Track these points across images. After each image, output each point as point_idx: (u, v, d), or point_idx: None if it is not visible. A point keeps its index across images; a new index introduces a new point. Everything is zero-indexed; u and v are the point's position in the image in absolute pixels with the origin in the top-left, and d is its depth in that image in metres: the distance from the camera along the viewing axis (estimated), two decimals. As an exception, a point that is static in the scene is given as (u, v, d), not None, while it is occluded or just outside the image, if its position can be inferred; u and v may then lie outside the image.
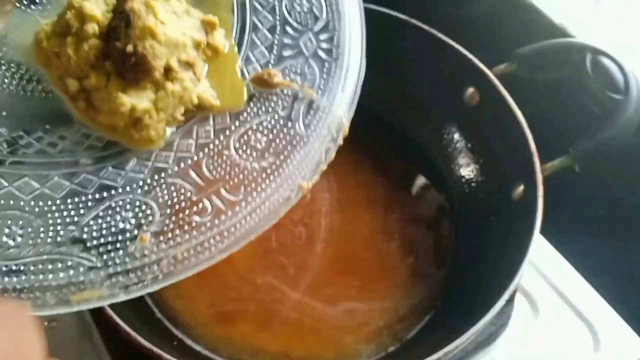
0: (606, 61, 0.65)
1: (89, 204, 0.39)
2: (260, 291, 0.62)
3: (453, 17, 0.82)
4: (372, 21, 0.71)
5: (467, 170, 0.72)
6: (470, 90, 0.70)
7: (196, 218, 0.40)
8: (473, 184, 0.71)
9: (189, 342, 0.59)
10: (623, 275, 0.73)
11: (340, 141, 0.44)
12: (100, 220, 0.38)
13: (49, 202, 0.38)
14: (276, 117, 0.43)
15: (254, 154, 0.42)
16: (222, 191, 0.41)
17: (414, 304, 0.63)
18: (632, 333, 0.66)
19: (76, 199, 0.39)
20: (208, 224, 0.39)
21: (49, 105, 0.42)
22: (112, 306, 0.50)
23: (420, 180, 0.73)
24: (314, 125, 0.44)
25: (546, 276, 0.70)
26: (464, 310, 0.57)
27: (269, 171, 0.41)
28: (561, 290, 0.69)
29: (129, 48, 0.40)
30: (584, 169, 0.63)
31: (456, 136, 0.73)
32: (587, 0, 0.87)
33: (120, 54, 0.41)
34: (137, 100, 0.40)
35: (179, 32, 0.43)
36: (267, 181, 0.41)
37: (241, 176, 0.41)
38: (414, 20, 0.70)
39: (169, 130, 0.42)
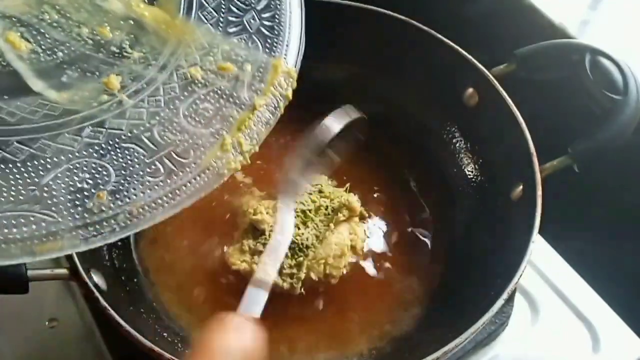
0: (605, 61, 0.65)
1: (48, 166, 0.42)
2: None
3: (453, 17, 0.83)
4: (372, 22, 0.72)
5: (466, 170, 0.72)
6: (470, 90, 0.70)
7: (149, 178, 0.43)
8: (472, 184, 0.71)
9: (188, 341, 0.59)
10: (622, 275, 0.73)
11: (284, 105, 0.48)
12: (59, 181, 0.42)
13: (10, 165, 0.41)
14: (222, 86, 0.47)
15: (202, 121, 0.46)
16: (173, 154, 0.44)
17: (414, 303, 0.63)
18: (631, 333, 0.66)
19: (35, 162, 0.42)
20: (161, 184, 0.43)
21: (8, 78, 0.45)
22: (113, 306, 0.50)
23: (419, 180, 0.73)
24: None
25: (545, 276, 0.70)
26: (464, 309, 0.57)
27: (217, 136, 0.45)
28: (560, 290, 0.69)
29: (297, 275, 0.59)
30: (583, 169, 0.63)
31: (455, 136, 0.73)
32: (586, 1, 0.87)
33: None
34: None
35: (334, 246, 0.60)
36: (215, 145, 0.45)
37: (190, 141, 0.45)
38: (413, 21, 0.70)
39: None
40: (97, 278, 0.55)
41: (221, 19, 0.50)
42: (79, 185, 0.42)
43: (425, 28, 0.70)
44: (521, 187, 0.63)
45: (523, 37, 0.72)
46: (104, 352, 0.61)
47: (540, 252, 0.70)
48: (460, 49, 0.69)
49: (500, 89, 0.66)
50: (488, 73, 0.67)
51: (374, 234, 0.67)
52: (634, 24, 0.83)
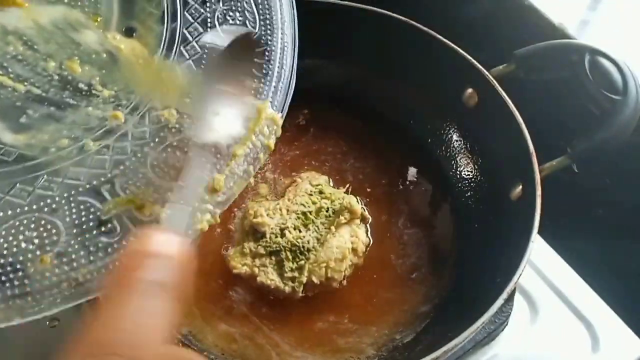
0: (604, 62, 0.65)
1: None
2: (259, 289, 0.62)
3: (452, 18, 0.83)
4: (373, 23, 0.72)
5: (466, 170, 0.72)
6: (469, 91, 0.70)
7: (103, 239, 0.38)
8: (472, 184, 0.71)
9: (189, 340, 0.60)
10: (621, 275, 0.73)
11: (265, 157, 0.43)
12: (1, 240, 0.36)
13: None
14: None
15: (171, 172, 0.40)
16: (133, 210, 0.39)
17: (413, 303, 0.63)
18: (631, 333, 0.66)
19: None
20: (115, 245, 0.38)
21: None
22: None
23: (419, 180, 0.73)
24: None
25: (545, 276, 0.70)
26: (463, 309, 0.58)
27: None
28: (559, 290, 0.69)
29: (300, 278, 0.59)
30: (582, 169, 0.63)
31: (455, 136, 0.73)
32: (586, 1, 0.88)
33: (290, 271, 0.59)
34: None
35: (335, 250, 0.59)
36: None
37: (155, 195, 0.39)
38: (413, 22, 0.71)
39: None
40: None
41: (204, 55, 0.44)
42: (23, 245, 0.36)
43: (425, 29, 0.70)
44: (520, 187, 0.63)
45: (522, 38, 0.72)
46: (104, 352, 0.61)
47: (539, 252, 0.70)
48: (459, 50, 0.69)
49: (500, 89, 0.66)
50: (487, 73, 0.67)
51: (373, 235, 0.67)
52: (633, 24, 0.84)
